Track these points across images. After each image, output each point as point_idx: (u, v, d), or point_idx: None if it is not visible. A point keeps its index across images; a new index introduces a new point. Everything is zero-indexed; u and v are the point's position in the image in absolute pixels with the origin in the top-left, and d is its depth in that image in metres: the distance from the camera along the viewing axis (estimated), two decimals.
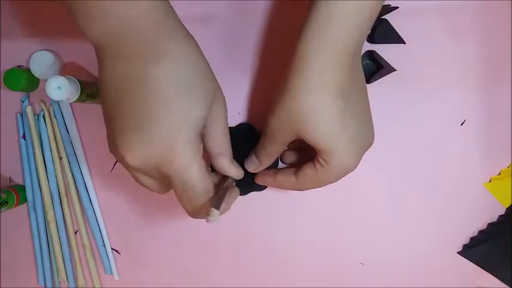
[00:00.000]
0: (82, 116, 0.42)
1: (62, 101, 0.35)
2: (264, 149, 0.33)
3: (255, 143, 0.35)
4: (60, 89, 0.34)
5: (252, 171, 0.35)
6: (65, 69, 0.41)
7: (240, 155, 0.36)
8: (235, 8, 0.39)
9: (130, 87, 0.25)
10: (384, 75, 0.38)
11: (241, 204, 0.41)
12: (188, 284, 0.43)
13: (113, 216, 0.43)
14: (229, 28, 0.39)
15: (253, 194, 0.40)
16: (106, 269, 0.43)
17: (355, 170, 0.29)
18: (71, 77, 0.35)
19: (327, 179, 0.30)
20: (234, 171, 0.33)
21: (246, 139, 0.39)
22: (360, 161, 0.29)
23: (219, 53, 0.40)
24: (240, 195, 0.40)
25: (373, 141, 0.30)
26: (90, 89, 0.37)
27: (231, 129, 0.39)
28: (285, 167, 0.36)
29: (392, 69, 0.38)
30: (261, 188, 0.39)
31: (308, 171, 0.30)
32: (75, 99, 0.36)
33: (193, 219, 0.42)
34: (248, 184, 0.39)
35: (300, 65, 0.27)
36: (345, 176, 0.30)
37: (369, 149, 0.39)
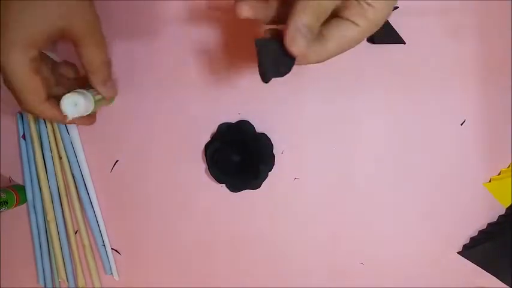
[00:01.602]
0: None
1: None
2: None
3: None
4: (76, 105, 0.33)
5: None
6: None
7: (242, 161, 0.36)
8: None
9: None
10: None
11: (241, 204, 0.41)
12: (188, 284, 0.43)
13: (113, 216, 0.43)
14: (228, 28, 0.40)
15: (253, 194, 0.40)
16: (106, 269, 0.43)
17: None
18: (84, 91, 0.34)
19: (375, 18, 0.25)
20: (104, 91, 0.35)
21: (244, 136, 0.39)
22: None
23: (219, 53, 0.40)
24: (234, 192, 0.40)
25: None
26: (98, 94, 0.36)
27: (230, 124, 0.40)
28: None
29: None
30: (255, 186, 0.39)
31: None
32: (90, 111, 0.34)
33: (193, 219, 0.42)
34: (242, 182, 0.39)
35: None
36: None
37: (367, 150, 0.39)
